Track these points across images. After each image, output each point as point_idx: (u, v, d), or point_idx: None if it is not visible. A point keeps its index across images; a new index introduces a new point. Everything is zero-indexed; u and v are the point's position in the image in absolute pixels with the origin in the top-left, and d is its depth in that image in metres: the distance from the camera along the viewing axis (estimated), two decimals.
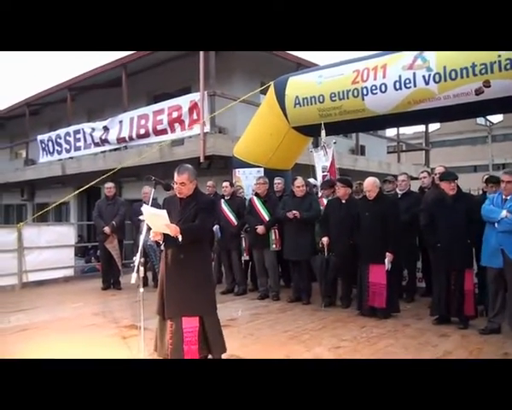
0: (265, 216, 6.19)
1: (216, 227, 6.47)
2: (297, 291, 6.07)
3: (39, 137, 13.43)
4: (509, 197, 4.35)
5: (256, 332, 4.67)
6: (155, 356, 3.46)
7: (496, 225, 4.34)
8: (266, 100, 7.34)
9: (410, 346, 4.17)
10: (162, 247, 3.45)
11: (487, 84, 5.10)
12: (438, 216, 4.80)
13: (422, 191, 6.11)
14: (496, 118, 35.68)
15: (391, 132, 18.45)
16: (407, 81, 5.62)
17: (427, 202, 5.32)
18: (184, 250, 3.26)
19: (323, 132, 6.56)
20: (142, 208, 3.25)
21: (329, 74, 6.40)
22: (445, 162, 8.16)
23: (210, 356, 3.38)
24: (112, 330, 4.82)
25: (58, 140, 12.68)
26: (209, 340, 3.33)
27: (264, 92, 8.07)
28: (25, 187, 15.96)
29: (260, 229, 6.10)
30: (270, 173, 6.91)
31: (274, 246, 6.19)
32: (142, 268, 3.24)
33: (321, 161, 6.86)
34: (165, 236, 3.26)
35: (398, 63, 5.69)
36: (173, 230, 3.15)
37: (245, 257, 6.72)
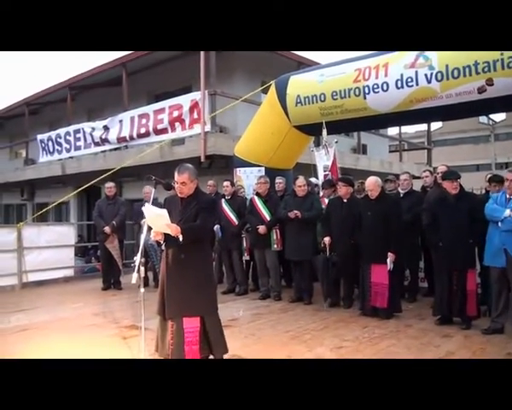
0: (266, 216, 6.16)
1: (217, 227, 6.44)
2: (298, 291, 6.05)
3: (39, 137, 13.41)
4: None
5: (257, 332, 4.65)
6: (156, 356, 3.44)
7: (499, 224, 4.32)
8: (267, 99, 7.31)
9: (412, 346, 4.14)
10: (163, 247, 3.43)
11: (490, 82, 5.06)
12: (440, 215, 4.77)
13: (425, 191, 6.09)
14: (499, 116, 35.54)
15: (393, 131, 18.44)
16: (409, 80, 5.59)
17: (430, 201, 5.30)
18: (185, 250, 3.24)
19: (325, 131, 6.53)
20: (144, 208, 3.23)
21: (331, 73, 6.37)
22: (448, 161, 8.11)
23: (211, 356, 3.36)
24: (112, 330, 4.79)
25: (58, 140, 12.67)
26: (210, 340, 3.32)
27: (265, 91, 8.05)
28: (24, 187, 15.94)
29: (262, 229, 6.07)
30: (272, 173, 6.88)
31: (275, 246, 6.16)
32: (142, 268, 3.21)
33: (322, 160, 6.84)
34: (166, 235, 3.25)
35: (400, 62, 5.66)
36: (174, 230, 3.13)
37: (246, 257, 6.70)
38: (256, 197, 6.33)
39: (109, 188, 7.44)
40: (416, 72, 5.52)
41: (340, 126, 6.82)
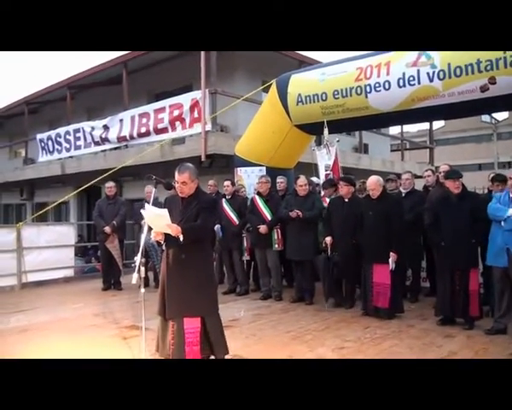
0: (268, 215, 6.13)
1: (217, 227, 6.42)
2: (300, 291, 6.02)
3: (39, 136, 13.37)
4: None
5: (258, 333, 4.63)
6: (157, 357, 3.42)
7: (502, 223, 4.30)
8: (268, 98, 7.28)
9: (414, 346, 4.12)
10: (163, 247, 3.41)
11: (493, 80, 5.03)
12: (442, 215, 4.75)
13: (427, 190, 6.07)
14: (501, 115, 35.54)
15: (394, 130, 18.35)
16: (411, 78, 5.56)
17: (432, 200, 5.27)
18: (186, 250, 3.22)
19: (326, 130, 6.50)
20: (143, 209, 3.21)
21: (332, 72, 6.34)
22: (450, 160, 8.08)
23: (212, 357, 3.34)
24: (112, 330, 4.77)
25: (58, 139, 12.64)
26: (211, 341, 3.30)
27: (266, 90, 8.01)
28: (24, 186, 15.90)
29: (263, 228, 6.04)
30: (273, 172, 6.85)
31: (276, 246, 6.13)
32: (143, 268, 3.20)
33: (324, 159, 6.82)
34: (167, 236, 3.23)
35: (402, 60, 5.63)
36: (174, 230, 3.12)
37: (246, 257, 6.66)
38: (257, 197, 6.30)
39: (109, 188, 7.41)
40: (418, 70, 5.49)
41: (342, 125, 6.79)
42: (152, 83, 11.83)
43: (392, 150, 18.12)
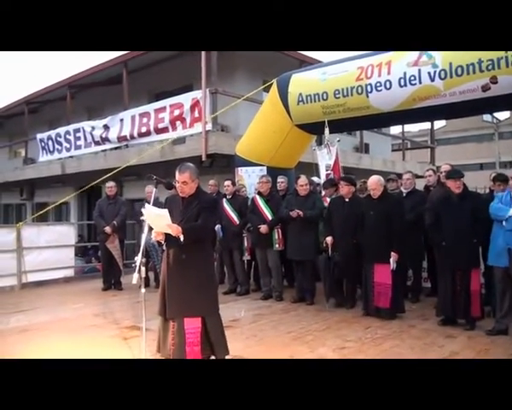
0: (268, 215, 6.12)
1: (218, 227, 6.41)
2: (300, 291, 6.01)
3: (39, 136, 13.36)
4: None
5: (259, 333, 4.62)
6: (158, 357, 3.41)
7: (504, 223, 4.29)
8: (269, 97, 7.26)
9: (415, 346, 4.11)
10: (164, 247, 3.40)
11: (494, 80, 5.02)
12: (443, 215, 4.74)
13: (428, 190, 6.06)
14: (503, 115, 35.42)
15: (395, 130, 18.32)
16: (412, 78, 5.54)
17: (433, 200, 5.26)
18: (186, 250, 3.22)
19: (327, 130, 6.48)
20: (143, 210, 3.20)
21: (333, 71, 6.32)
22: (451, 160, 8.06)
23: (213, 357, 3.34)
24: (113, 331, 4.76)
25: (58, 139, 12.63)
26: (211, 341, 3.30)
27: (266, 90, 8.00)
28: (24, 186, 15.89)
29: (263, 228, 6.03)
30: (273, 172, 6.84)
31: (277, 245, 6.12)
32: (143, 268, 3.19)
33: (324, 159, 6.80)
34: (167, 236, 3.22)
35: (403, 60, 5.61)
36: (175, 230, 3.11)
37: (246, 257, 6.65)
38: (258, 196, 6.29)
39: (110, 187, 7.39)
40: (419, 70, 5.48)
41: (343, 125, 6.77)
42: (152, 82, 11.82)
43: (393, 150, 18.11)
